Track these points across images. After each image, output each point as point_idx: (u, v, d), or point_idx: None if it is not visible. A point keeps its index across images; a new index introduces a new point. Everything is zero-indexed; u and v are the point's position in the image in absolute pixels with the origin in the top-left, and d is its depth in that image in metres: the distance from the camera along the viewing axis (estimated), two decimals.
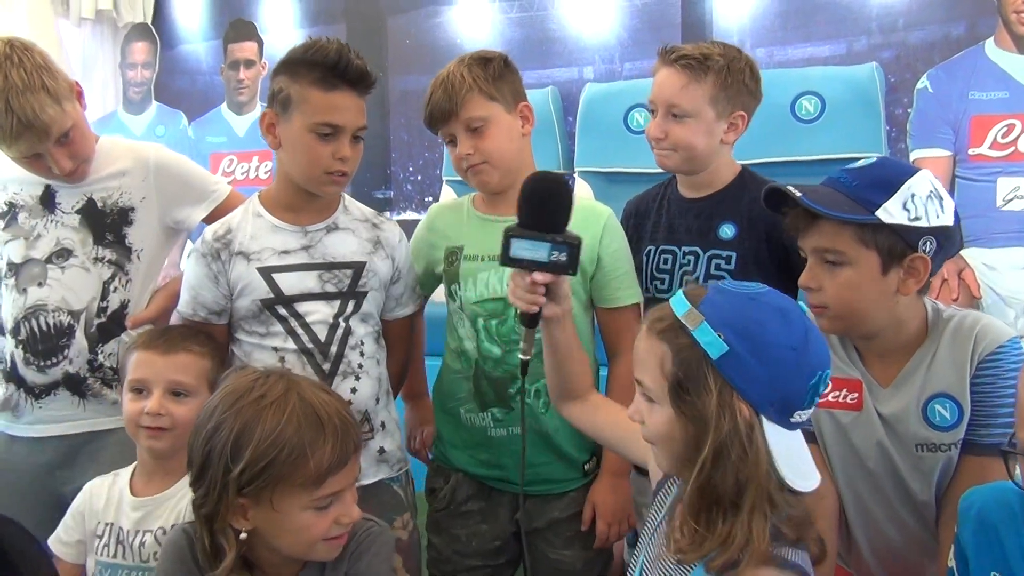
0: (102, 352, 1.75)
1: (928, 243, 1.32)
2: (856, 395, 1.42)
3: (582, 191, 3.20)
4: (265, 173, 4.37)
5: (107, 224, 1.76)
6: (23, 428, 1.76)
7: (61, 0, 4.58)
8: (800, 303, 1.20)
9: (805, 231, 1.37)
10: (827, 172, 1.41)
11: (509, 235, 1.26)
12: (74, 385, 1.74)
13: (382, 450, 1.66)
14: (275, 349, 1.59)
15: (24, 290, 1.73)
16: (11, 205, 1.77)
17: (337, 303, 1.61)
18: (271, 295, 1.58)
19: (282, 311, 1.59)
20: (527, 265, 1.26)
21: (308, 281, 1.60)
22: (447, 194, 3.74)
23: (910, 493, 1.42)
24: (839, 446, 1.44)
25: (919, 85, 3.09)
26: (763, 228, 1.64)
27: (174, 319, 1.74)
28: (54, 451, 1.76)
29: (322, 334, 1.59)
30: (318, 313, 1.59)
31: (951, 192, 2.92)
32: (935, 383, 1.37)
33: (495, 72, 1.64)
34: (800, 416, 1.06)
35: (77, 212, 1.75)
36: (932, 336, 1.39)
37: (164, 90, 4.77)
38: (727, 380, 1.03)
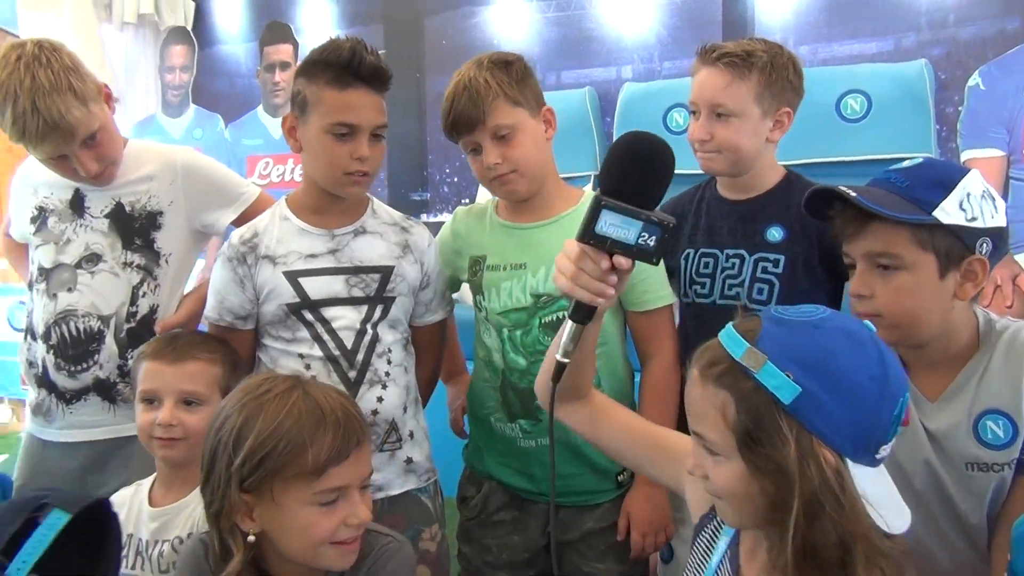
0: (132, 358, 1.73)
1: (985, 244, 1.25)
2: None
3: None
4: (300, 176, 4.38)
5: (135, 228, 1.76)
6: (54, 433, 1.76)
7: (104, 5, 4.65)
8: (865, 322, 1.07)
9: (855, 235, 1.30)
10: (873, 173, 1.34)
11: (600, 204, 1.01)
12: (104, 391, 1.74)
13: (410, 460, 1.63)
14: (301, 356, 1.57)
15: (55, 295, 1.73)
16: (41, 209, 1.77)
17: (364, 308, 1.58)
18: (297, 299, 1.56)
19: (308, 316, 1.57)
20: (608, 246, 1.02)
21: (335, 285, 1.57)
22: (483, 196, 3.71)
23: (960, 515, 1.33)
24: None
25: (971, 82, 3.01)
26: (814, 232, 1.58)
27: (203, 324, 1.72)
28: (85, 456, 1.75)
29: (349, 340, 1.56)
30: (345, 319, 1.57)
31: (1004, 194, 2.82)
32: (987, 398, 1.29)
33: (518, 76, 1.58)
34: (884, 451, 0.96)
35: (106, 216, 1.75)
36: (984, 348, 1.31)
37: (202, 93, 4.83)
38: (803, 425, 0.92)
